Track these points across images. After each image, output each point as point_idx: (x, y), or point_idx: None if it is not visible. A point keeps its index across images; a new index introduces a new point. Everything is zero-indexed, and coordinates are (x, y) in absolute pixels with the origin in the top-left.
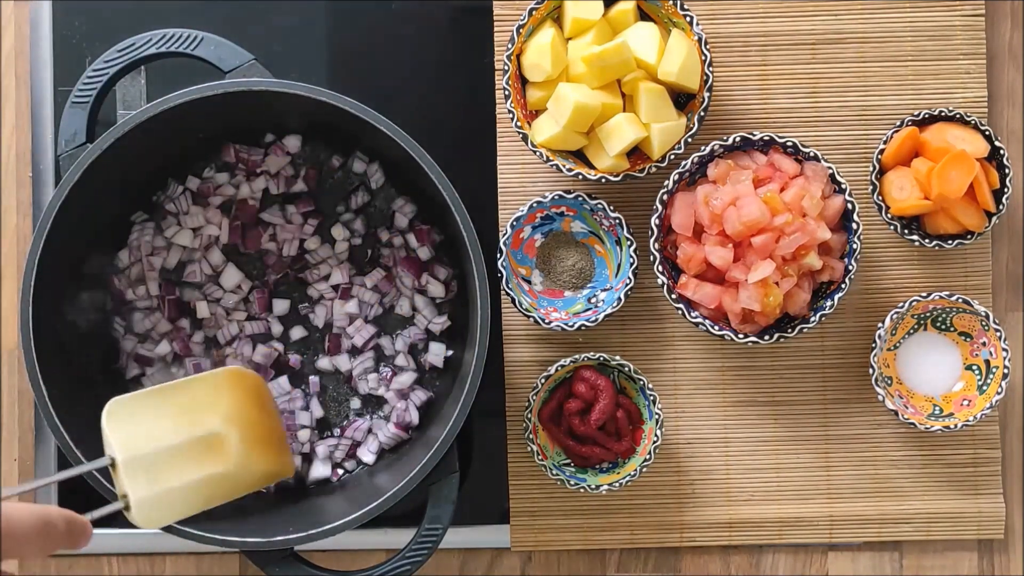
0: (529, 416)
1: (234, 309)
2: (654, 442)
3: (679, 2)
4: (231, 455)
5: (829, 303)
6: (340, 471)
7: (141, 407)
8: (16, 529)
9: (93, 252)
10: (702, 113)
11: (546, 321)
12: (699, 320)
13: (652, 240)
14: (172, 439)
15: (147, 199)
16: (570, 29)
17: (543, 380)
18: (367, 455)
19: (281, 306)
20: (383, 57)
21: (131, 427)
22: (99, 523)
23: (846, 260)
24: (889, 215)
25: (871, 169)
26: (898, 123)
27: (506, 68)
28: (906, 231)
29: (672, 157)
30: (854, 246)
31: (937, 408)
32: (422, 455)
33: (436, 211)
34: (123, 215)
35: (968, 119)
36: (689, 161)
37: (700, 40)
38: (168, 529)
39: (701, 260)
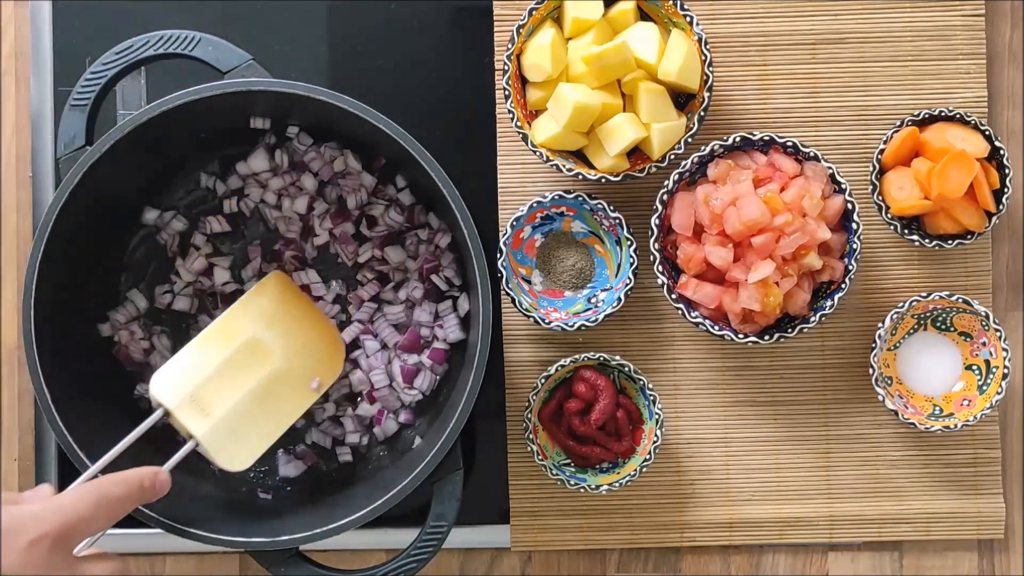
0: (529, 416)
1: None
2: (654, 442)
3: (679, 2)
4: (275, 353)
5: (829, 303)
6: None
7: (180, 362)
8: (72, 517)
9: (94, 251)
10: (702, 113)
11: (546, 321)
12: (699, 320)
13: (652, 240)
14: (214, 363)
15: (147, 199)
16: (570, 29)
17: (543, 380)
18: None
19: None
20: (383, 57)
21: (175, 378)
22: None
23: (846, 260)
24: (889, 215)
25: (871, 169)
26: (898, 123)
27: (506, 68)
28: (906, 231)
29: (672, 157)
30: (854, 246)
31: (937, 408)
32: (426, 452)
33: (436, 210)
34: (123, 214)
35: (968, 119)
36: (689, 161)
37: (700, 40)
38: (172, 529)
39: (701, 260)
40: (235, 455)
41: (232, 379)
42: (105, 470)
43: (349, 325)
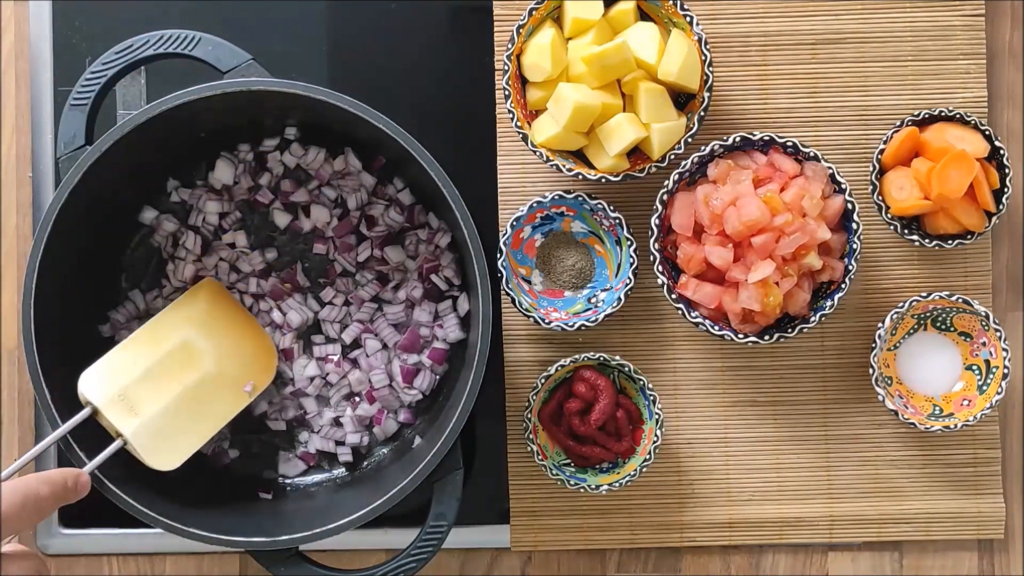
0: (529, 416)
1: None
2: (654, 442)
3: (679, 2)
4: (207, 357)
5: (829, 303)
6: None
7: (110, 362)
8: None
9: (94, 251)
10: (702, 113)
11: (546, 321)
12: (699, 320)
13: (652, 240)
14: (143, 365)
15: (147, 198)
16: (570, 29)
17: (543, 380)
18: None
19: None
20: (383, 57)
21: (105, 377)
22: (100, 523)
23: (846, 260)
24: (889, 215)
25: (871, 169)
26: (898, 123)
27: (506, 68)
28: (906, 231)
29: (672, 157)
30: (854, 246)
31: (937, 408)
32: (426, 452)
33: (436, 210)
34: (123, 214)
35: (968, 119)
36: (689, 161)
37: (700, 40)
38: (172, 529)
39: (701, 260)
40: (163, 455)
41: (162, 381)
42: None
43: (349, 326)
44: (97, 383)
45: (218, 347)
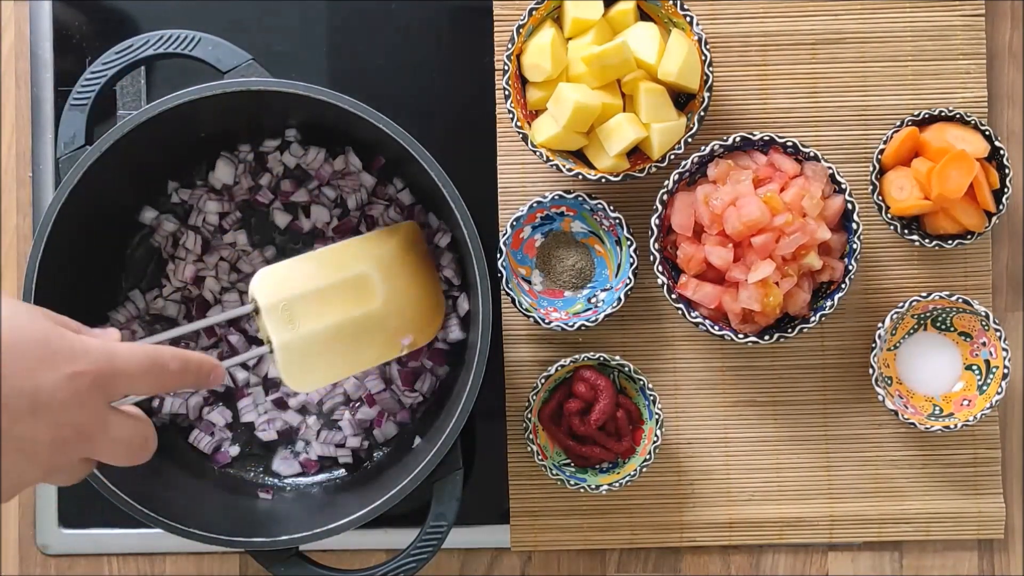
0: (529, 416)
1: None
2: (654, 442)
3: (679, 2)
4: (378, 297)
5: (829, 303)
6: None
7: (288, 269)
8: (122, 367)
9: (94, 251)
10: (702, 113)
11: (546, 321)
12: (699, 320)
13: (652, 240)
14: (318, 283)
15: (147, 198)
16: (570, 29)
17: (543, 380)
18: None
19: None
20: (383, 57)
21: (277, 281)
22: (100, 523)
23: (846, 260)
24: (889, 215)
25: (871, 169)
26: (898, 123)
27: (506, 68)
28: (906, 231)
29: (672, 157)
30: (854, 246)
31: (937, 408)
32: (426, 452)
33: (436, 210)
34: (123, 214)
35: (968, 119)
36: (689, 161)
37: (700, 40)
38: (172, 529)
39: (701, 260)
40: (303, 376)
41: (329, 304)
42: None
43: None
44: (269, 285)
45: (393, 290)
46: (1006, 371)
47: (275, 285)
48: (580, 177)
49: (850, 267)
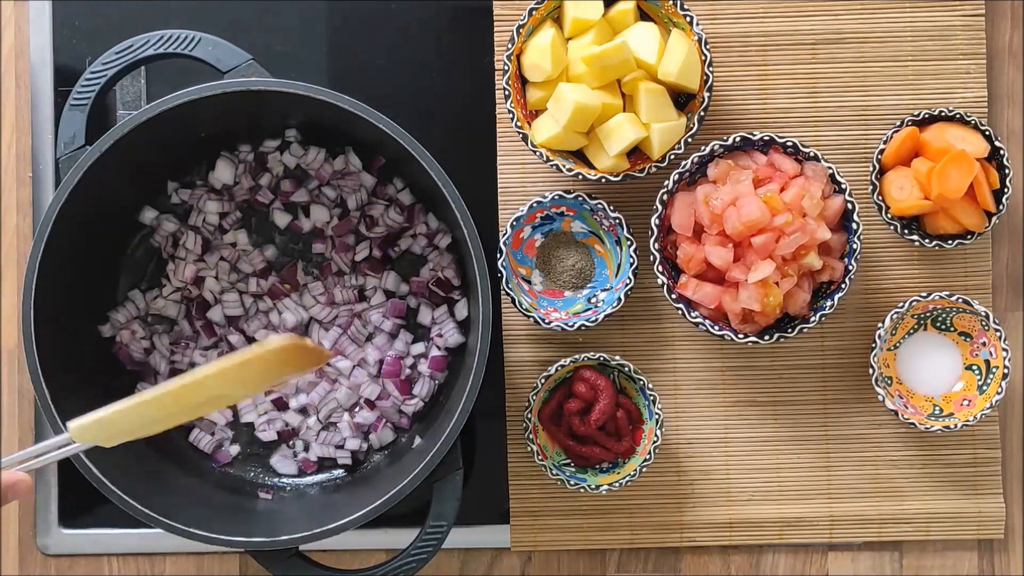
0: (529, 416)
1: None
2: (654, 442)
3: (679, 2)
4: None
5: (829, 303)
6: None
7: (121, 415)
8: None
9: (94, 251)
10: (702, 113)
11: (546, 321)
12: (699, 320)
13: (652, 240)
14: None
15: (147, 198)
16: (570, 29)
17: (543, 380)
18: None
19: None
20: (383, 57)
21: (102, 427)
22: (100, 523)
23: (846, 260)
24: (889, 215)
25: (871, 169)
26: (898, 123)
27: (506, 68)
28: (906, 231)
29: (672, 157)
30: (854, 246)
31: (937, 408)
32: (426, 452)
33: (436, 210)
34: (123, 214)
35: (968, 119)
36: (689, 161)
37: (700, 40)
38: (172, 529)
39: (701, 260)
40: (93, 435)
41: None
42: None
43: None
44: (91, 433)
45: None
46: (1006, 371)
47: (98, 432)
48: (580, 177)
49: (850, 267)
